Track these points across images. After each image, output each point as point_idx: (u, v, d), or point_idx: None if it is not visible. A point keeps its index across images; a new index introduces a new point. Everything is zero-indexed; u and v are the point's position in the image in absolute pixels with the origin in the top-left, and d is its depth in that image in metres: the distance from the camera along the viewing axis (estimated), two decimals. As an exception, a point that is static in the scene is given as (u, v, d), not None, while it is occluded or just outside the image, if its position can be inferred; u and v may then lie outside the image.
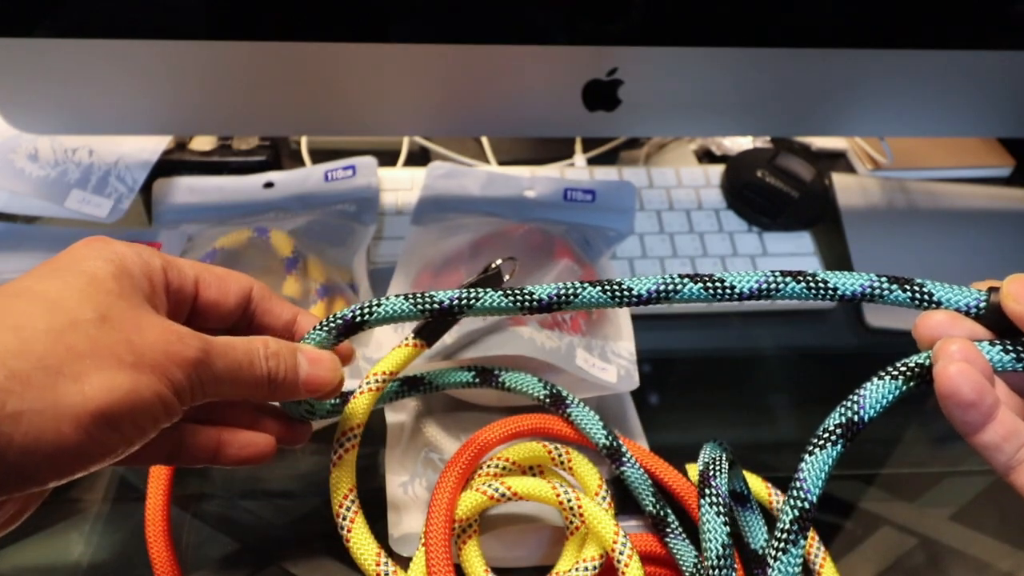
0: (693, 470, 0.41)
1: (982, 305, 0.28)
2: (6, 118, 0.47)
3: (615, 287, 0.30)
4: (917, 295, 0.29)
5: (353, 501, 0.36)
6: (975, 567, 0.42)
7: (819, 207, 0.61)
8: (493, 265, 0.37)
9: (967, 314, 0.28)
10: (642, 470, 0.40)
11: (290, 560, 0.40)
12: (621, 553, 0.35)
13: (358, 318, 0.32)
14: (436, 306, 0.31)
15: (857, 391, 0.27)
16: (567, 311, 0.31)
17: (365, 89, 0.48)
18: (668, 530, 0.38)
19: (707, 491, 0.35)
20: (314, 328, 0.32)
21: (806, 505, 0.26)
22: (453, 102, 0.50)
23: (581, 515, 0.36)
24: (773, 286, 0.29)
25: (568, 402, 0.41)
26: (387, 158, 0.64)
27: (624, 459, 0.40)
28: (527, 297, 0.31)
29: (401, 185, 0.61)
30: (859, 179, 0.65)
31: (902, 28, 0.47)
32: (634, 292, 0.30)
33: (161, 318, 0.27)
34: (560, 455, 0.39)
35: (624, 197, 0.55)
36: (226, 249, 0.50)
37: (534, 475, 0.39)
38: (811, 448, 0.27)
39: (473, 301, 0.31)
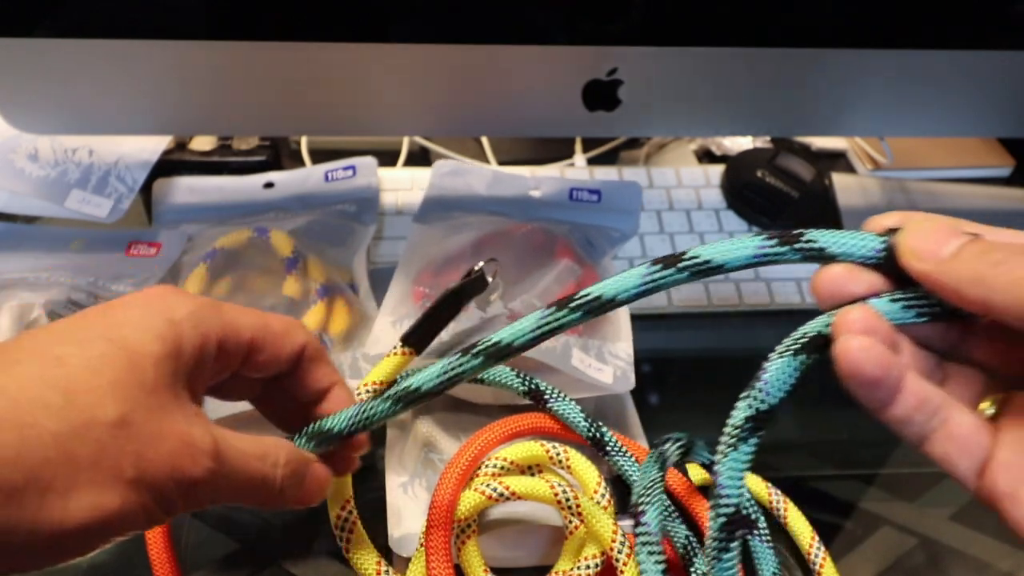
0: (694, 469, 0.41)
1: (881, 255, 0.25)
2: (6, 118, 0.48)
3: (493, 346, 0.29)
4: (809, 251, 0.26)
5: (351, 512, 0.36)
6: (975, 567, 0.42)
7: (819, 207, 0.61)
8: (476, 268, 0.36)
9: (865, 264, 0.25)
10: (630, 455, 0.40)
11: (290, 560, 0.40)
12: (620, 552, 0.35)
13: (302, 441, 0.31)
14: (334, 436, 0.31)
15: (759, 375, 0.25)
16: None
17: (365, 89, 0.48)
18: None
19: (639, 529, 0.35)
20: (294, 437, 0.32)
21: (730, 510, 0.25)
22: (453, 102, 0.50)
23: (580, 514, 0.36)
24: (658, 280, 0.27)
25: (548, 396, 0.41)
26: (387, 158, 0.64)
27: (609, 447, 0.40)
28: (413, 393, 0.30)
29: (401, 185, 0.61)
30: (859, 179, 0.65)
31: (902, 28, 0.47)
32: (506, 344, 0.29)
33: (186, 416, 0.24)
34: (559, 455, 0.39)
35: (630, 198, 0.55)
36: (226, 249, 0.50)
37: (533, 475, 0.39)
38: (724, 449, 0.25)
39: (367, 421, 0.30)
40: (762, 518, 0.39)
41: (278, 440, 0.28)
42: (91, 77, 0.46)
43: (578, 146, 0.67)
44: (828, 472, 0.46)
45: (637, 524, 0.35)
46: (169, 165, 0.59)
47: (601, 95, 0.49)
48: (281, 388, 0.31)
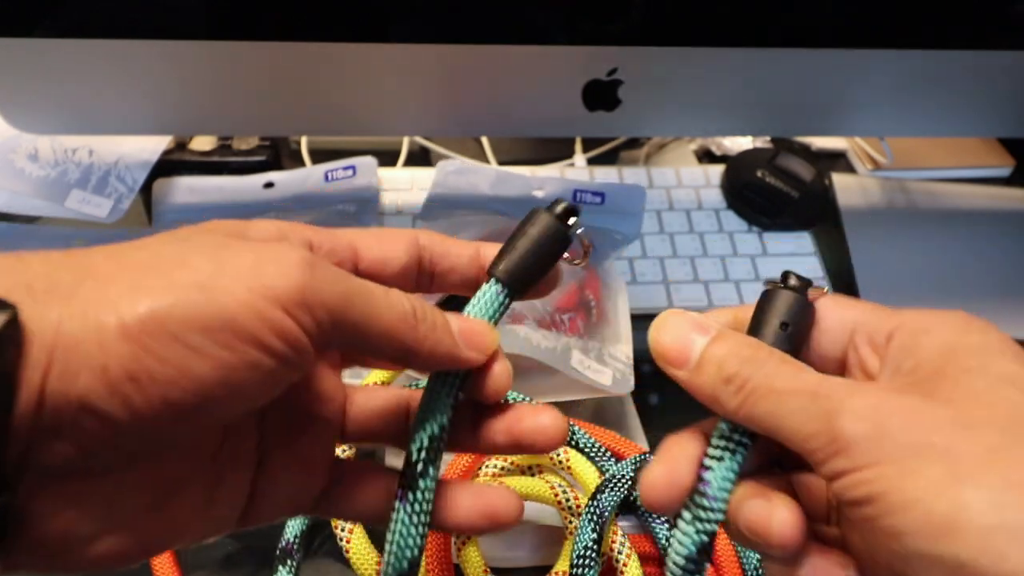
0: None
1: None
2: (6, 118, 0.48)
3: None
4: None
5: None
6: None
7: (819, 207, 0.61)
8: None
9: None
10: (609, 455, 0.41)
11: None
12: (620, 553, 0.36)
13: None
14: None
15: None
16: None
17: (365, 89, 0.48)
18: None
19: (592, 503, 0.36)
20: None
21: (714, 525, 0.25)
22: (453, 102, 0.50)
23: (579, 515, 0.36)
24: None
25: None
26: (387, 158, 0.64)
27: (585, 450, 0.41)
28: None
29: (401, 185, 0.61)
30: (859, 179, 0.65)
31: (902, 28, 0.47)
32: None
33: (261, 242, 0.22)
34: (559, 455, 0.39)
35: (633, 200, 0.55)
36: (226, 249, 0.50)
37: (533, 475, 0.39)
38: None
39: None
40: None
41: None
42: (91, 77, 0.46)
43: (578, 146, 0.67)
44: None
45: (593, 499, 0.35)
46: (169, 165, 0.59)
47: (601, 95, 0.49)
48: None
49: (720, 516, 0.24)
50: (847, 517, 0.22)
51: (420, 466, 0.25)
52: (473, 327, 0.25)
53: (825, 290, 0.26)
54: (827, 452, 0.21)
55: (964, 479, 0.19)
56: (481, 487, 0.27)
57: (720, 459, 0.24)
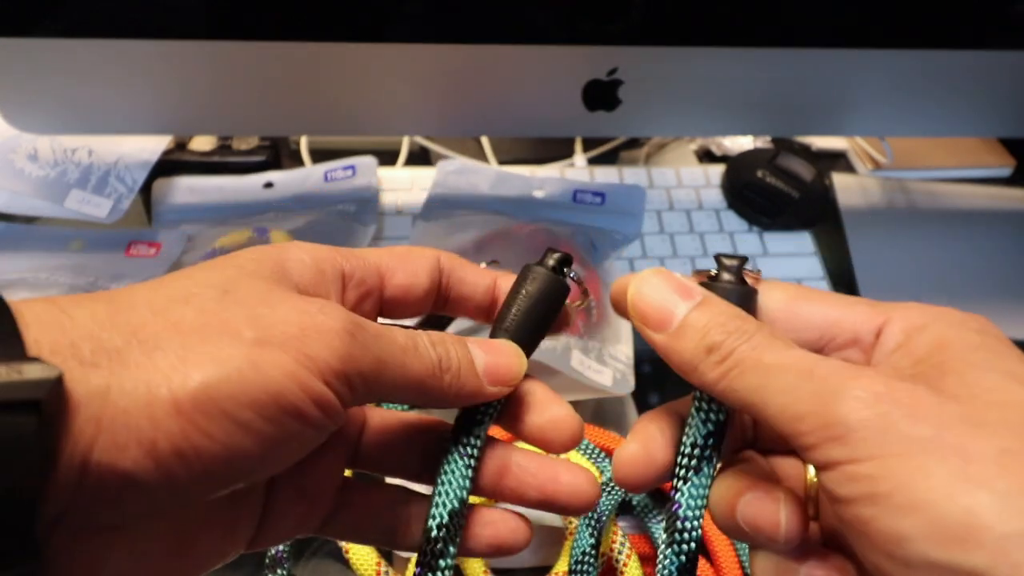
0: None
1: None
2: (6, 118, 0.47)
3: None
4: None
5: None
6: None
7: (819, 207, 0.61)
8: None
9: None
10: (603, 456, 0.41)
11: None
12: (620, 553, 0.35)
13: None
14: None
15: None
16: None
17: (365, 89, 0.48)
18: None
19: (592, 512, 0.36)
20: None
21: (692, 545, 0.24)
22: (453, 102, 0.50)
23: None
24: None
25: None
26: (387, 158, 0.64)
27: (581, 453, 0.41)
28: None
29: (401, 185, 0.61)
30: (859, 179, 0.65)
31: (902, 28, 0.47)
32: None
33: (302, 296, 0.22)
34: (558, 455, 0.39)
35: (634, 200, 0.55)
36: (226, 249, 0.50)
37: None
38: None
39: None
40: None
41: None
42: (91, 77, 0.46)
43: (578, 146, 0.67)
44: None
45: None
46: (169, 165, 0.59)
47: (601, 95, 0.49)
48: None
49: (696, 535, 0.23)
50: (839, 515, 0.20)
51: (440, 544, 0.24)
52: (499, 363, 0.25)
53: (759, 273, 0.24)
54: (820, 437, 0.19)
55: (979, 482, 0.18)
56: (491, 515, 0.26)
57: (686, 479, 0.23)
